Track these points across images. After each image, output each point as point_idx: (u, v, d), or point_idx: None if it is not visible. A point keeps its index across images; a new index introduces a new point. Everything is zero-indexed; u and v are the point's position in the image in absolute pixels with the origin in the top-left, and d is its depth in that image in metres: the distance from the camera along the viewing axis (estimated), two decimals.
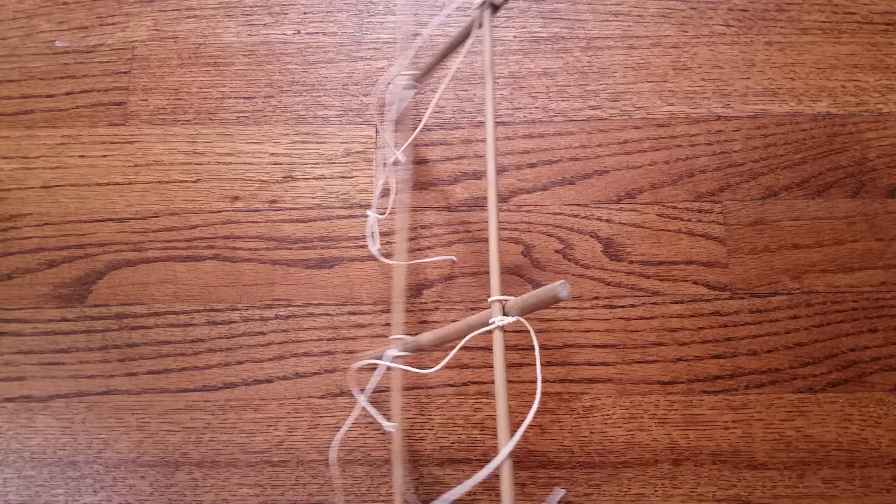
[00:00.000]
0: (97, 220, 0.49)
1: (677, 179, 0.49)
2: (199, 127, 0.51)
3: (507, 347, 0.46)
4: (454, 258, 0.45)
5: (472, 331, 0.36)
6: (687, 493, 0.43)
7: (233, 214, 0.49)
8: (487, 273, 0.48)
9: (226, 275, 0.48)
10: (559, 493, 0.41)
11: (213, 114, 0.51)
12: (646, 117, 0.51)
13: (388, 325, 0.47)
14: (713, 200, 0.49)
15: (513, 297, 0.33)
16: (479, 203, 0.49)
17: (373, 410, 0.42)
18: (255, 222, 0.49)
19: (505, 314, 0.33)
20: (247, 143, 0.51)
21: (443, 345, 0.39)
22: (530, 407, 0.45)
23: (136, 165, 0.50)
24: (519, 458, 0.44)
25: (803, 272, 0.47)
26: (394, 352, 0.39)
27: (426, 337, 0.38)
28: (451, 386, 0.45)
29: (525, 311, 0.33)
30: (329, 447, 0.44)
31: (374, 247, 0.44)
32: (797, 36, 0.52)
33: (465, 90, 0.51)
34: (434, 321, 0.47)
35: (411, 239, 0.48)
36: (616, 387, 0.45)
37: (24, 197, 0.50)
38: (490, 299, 0.35)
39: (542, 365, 0.46)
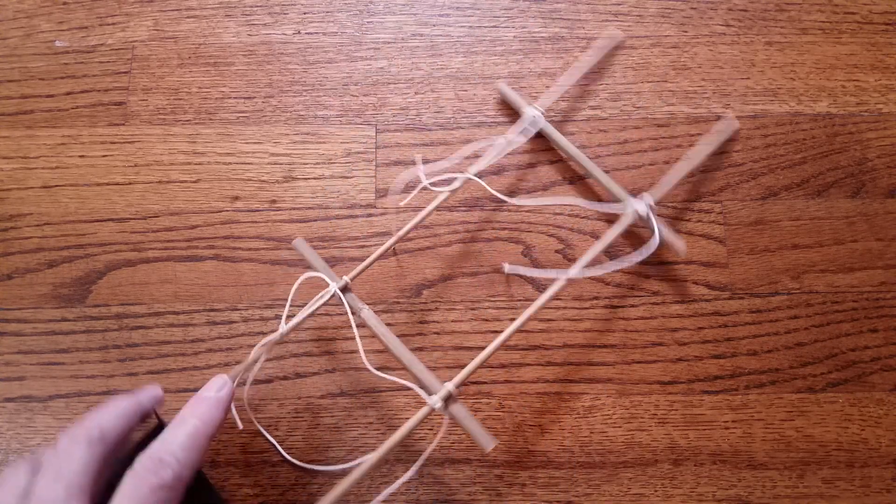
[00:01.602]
0: (97, 220, 0.49)
1: (680, 178, 0.49)
2: (199, 127, 0.51)
3: (507, 347, 0.46)
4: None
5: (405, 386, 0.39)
6: (687, 493, 0.43)
7: (233, 214, 0.49)
8: (487, 273, 0.48)
9: (226, 275, 0.48)
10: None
11: (213, 114, 0.51)
12: (646, 117, 0.51)
13: (388, 325, 0.47)
14: (713, 200, 0.49)
15: (458, 405, 0.38)
16: (478, 203, 0.49)
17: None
18: (255, 222, 0.49)
19: (447, 404, 0.38)
20: (247, 143, 0.51)
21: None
22: (528, 406, 0.45)
23: (136, 165, 0.50)
24: (519, 458, 0.44)
25: (803, 272, 0.47)
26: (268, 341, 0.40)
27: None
28: None
29: (453, 417, 0.38)
30: (328, 447, 0.44)
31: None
32: (797, 36, 0.52)
33: (465, 90, 0.51)
34: (434, 321, 0.47)
35: (410, 239, 0.48)
36: (616, 387, 0.45)
37: (24, 197, 0.50)
38: (439, 394, 0.38)
39: (542, 365, 0.46)
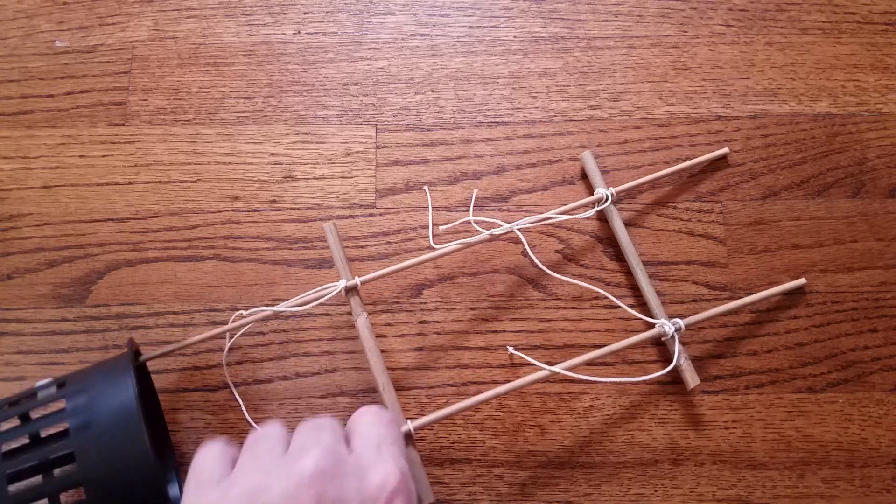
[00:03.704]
0: (97, 220, 0.49)
1: (677, 179, 0.49)
2: (199, 127, 0.51)
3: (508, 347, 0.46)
4: None
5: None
6: (687, 493, 0.43)
7: (233, 214, 0.49)
8: (487, 273, 0.48)
9: (226, 275, 0.48)
10: None
11: (213, 114, 0.51)
12: (646, 117, 0.51)
13: (388, 325, 0.47)
14: (713, 200, 0.49)
15: (411, 449, 0.38)
16: (478, 203, 0.49)
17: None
18: (255, 222, 0.49)
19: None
20: (247, 143, 0.51)
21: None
22: (528, 406, 0.45)
23: (136, 165, 0.50)
24: (519, 458, 0.44)
25: (803, 272, 0.47)
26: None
27: None
28: (451, 386, 0.45)
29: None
30: None
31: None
32: (797, 36, 0.52)
33: (465, 90, 0.51)
34: (434, 321, 0.47)
35: (411, 239, 0.48)
36: (616, 387, 0.45)
37: (24, 197, 0.50)
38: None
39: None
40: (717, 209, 0.49)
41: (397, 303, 0.47)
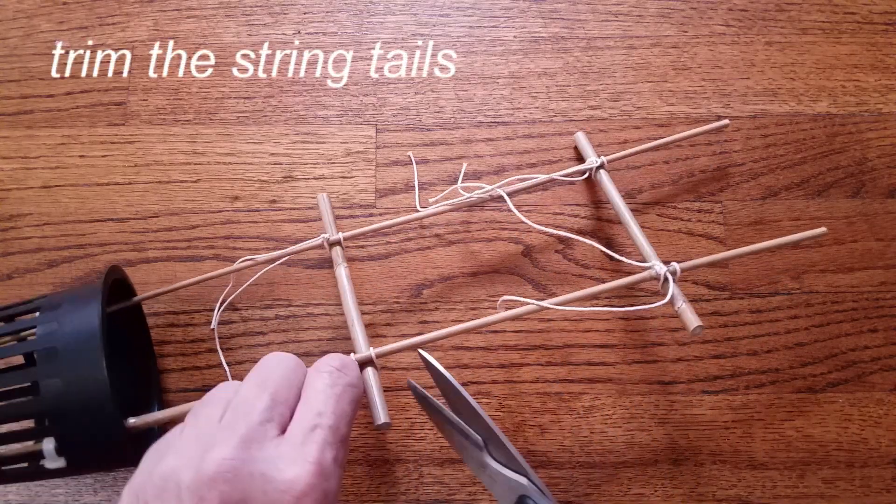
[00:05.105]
0: (97, 220, 0.49)
1: (677, 179, 0.49)
2: (199, 127, 0.51)
3: (507, 347, 0.46)
4: None
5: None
6: (687, 493, 0.43)
7: (233, 214, 0.49)
8: (487, 273, 0.48)
9: (226, 275, 0.48)
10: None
11: (213, 114, 0.51)
12: (646, 117, 0.51)
13: (388, 325, 0.47)
14: (713, 200, 0.49)
15: (371, 371, 0.37)
16: (478, 203, 0.49)
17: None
18: (255, 222, 0.49)
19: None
20: (247, 143, 0.51)
21: None
22: (528, 406, 0.45)
23: (136, 165, 0.50)
24: None
25: (803, 272, 0.47)
26: None
27: None
28: None
29: (364, 381, 0.36)
30: None
31: None
32: (797, 36, 0.52)
33: (465, 90, 0.51)
34: (434, 321, 0.47)
35: (411, 239, 0.48)
36: (616, 387, 0.45)
37: (24, 197, 0.50)
38: (359, 354, 0.37)
39: (542, 365, 0.46)
40: (717, 209, 0.49)
41: (397, 303, 0.47)
